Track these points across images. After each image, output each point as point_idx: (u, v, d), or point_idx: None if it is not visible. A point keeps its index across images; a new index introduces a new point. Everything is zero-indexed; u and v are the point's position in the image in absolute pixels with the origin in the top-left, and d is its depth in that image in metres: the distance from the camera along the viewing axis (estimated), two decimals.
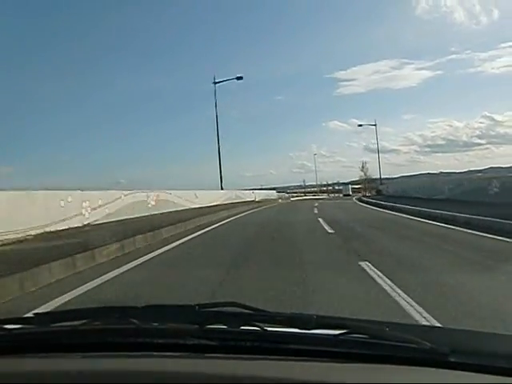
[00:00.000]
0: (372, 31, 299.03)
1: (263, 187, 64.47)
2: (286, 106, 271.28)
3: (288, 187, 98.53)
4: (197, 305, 0.86)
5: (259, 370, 0.69)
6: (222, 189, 24.88)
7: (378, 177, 42.12)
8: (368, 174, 62.00)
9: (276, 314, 0.86)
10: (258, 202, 27.60)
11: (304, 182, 79.99)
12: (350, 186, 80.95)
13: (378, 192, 35.17)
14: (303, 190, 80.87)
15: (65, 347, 0.81)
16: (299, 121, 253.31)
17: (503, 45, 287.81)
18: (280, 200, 35.40)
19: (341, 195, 65.47)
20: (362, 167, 61.37)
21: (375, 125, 38.90)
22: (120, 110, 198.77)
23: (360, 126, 43.12)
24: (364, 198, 26.93)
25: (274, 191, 46.92)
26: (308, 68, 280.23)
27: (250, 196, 30.64)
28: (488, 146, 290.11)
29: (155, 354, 0.76)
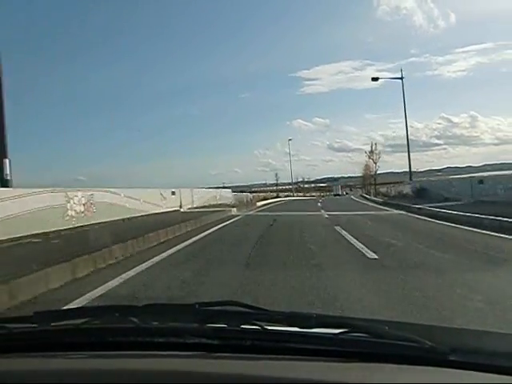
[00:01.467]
0: (335, 32, 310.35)
1: (225, 185, 58.87)
2: (251, 104, 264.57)
3: (252, 185, 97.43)
4: (197, 303, 0.92)
5: (259, 368, 0.75)
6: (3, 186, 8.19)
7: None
8: (371, 167, 41.44)
9: (276, 312, 0.93)
10: (182, 218, 11.41)
11: (277, 176, 61.39)
12: (339, 186, 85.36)
13: (417, 193, 21.56)
14: (274, 189, 60.15)
15: (65, 346, 0.88)
16: (264, 119, 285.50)
17: (458, 50, 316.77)
18: (235, 209, 18.37)
19: (319, 197, 58.81)
20: (371, 152, 39.81)
21: (402, 78, 26.35)
22: (83, 105, 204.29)
23: (375, 79, 23.65)
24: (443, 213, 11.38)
25: (229, 190, 23.67)
26: (272, 67, 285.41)
27: (165, 201, 15.40)
28: (445, 146, 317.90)
29: (155, 353, 0.83)
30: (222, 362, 0.78)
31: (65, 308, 2.66)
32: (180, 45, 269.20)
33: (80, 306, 3.41)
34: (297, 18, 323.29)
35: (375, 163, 45.46)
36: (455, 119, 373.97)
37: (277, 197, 46.63)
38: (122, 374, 0.75)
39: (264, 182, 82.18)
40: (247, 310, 0.91)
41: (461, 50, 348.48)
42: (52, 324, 0.92)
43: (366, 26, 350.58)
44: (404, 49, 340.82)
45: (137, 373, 0.75)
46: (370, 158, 46.09)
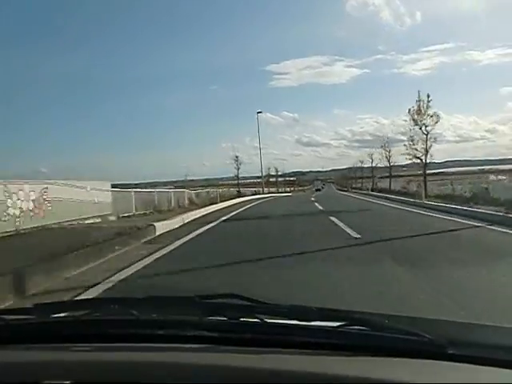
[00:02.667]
0: (304, 25, 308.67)
1: (188, 179, 48.65)
2: (220, 97, 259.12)
3: (220, 179, 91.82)
4: (197, 296, 0.94)
5: (259, 361, 0.76)
6: None
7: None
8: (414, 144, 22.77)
9: (276, 305, 0.95)
10: None
11: (238, 162, 44.50)
12: (320, 181, 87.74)
13: None
14: (237, 183, 43.79)
15: (65, 338, 0.89)
16: (232, 112, 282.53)
17: (422, 49, 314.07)
18: None
19: (309, 191, 56.75)
20: (419, 112, 20.84)
21: None
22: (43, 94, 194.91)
23: None
24: None
25: (107, 184, 12.25)
26: (243, 60, 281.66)
27: None
28: (410, 142, 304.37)
29: (155, 345, 0.85)
30: (222, 354, 0.80)
31: (65, 300, 2.68)
32: (150, 35, 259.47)
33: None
34: (267, 12, 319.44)
35: (426, 134, 23.25)
36: (419, 117, 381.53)
37: (238, 195, 29.07)
38: (122, 366, 0.77)
39: (232, 175, 67.78)
40: (247, 302, 0.93)
41: (425, 49, 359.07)
42: (52, 316, 0.94)
43: (335, 21, 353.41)
44: (372, 45, 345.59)
45: (136, 365, 0.77)
46: (415, 124, 24.22)
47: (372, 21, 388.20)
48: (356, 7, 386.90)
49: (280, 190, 61.72)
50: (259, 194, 35.84)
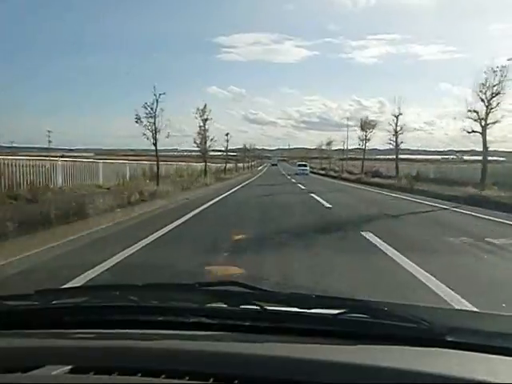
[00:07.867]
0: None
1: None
2: (163, 66, 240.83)
3: (164, 150, 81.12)
4: (197, 283, 0.96)
5: (258, 348, 0.78)
6: None
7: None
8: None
9: (276, 293, 0.98)
10: None
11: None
12: (276, 158, 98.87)
13: None
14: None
15: (66, 324, 0.91)
16: (177, 83, 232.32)
17: (370, 37, 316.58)
18: None
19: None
20: None
21: None
22: None
23: None
24: None
25: None
26: (191, 28, 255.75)
27: None
28: (355, 128, 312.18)
29: (155, 331, 0.87)
30: (222, 341, 0.82)
31: (66, 287, 2.63)
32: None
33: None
34: None
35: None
36: (365, 102, 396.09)
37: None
38: (122, 352, 0.79)
39: (174, 147, 69.47)
40: (247, 290, 0.94)
41: (373, 37, 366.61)
42: (53, 302, 0.95)
43: None
44: (322, 26, 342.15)
45: (136, 351, 0.80)
46: None
47: None
48: None
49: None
50: None
